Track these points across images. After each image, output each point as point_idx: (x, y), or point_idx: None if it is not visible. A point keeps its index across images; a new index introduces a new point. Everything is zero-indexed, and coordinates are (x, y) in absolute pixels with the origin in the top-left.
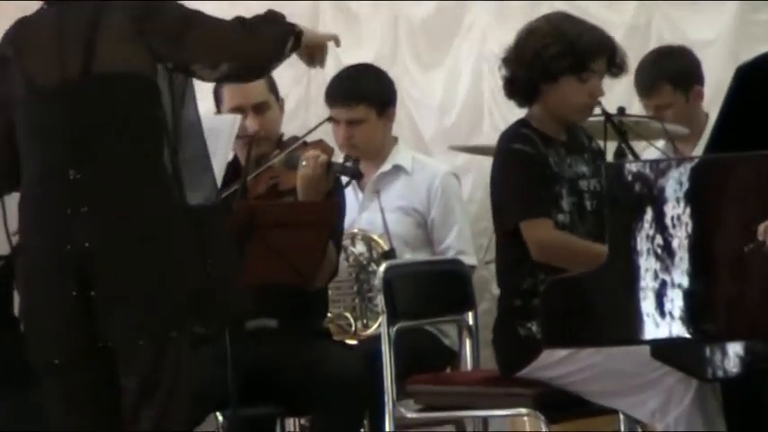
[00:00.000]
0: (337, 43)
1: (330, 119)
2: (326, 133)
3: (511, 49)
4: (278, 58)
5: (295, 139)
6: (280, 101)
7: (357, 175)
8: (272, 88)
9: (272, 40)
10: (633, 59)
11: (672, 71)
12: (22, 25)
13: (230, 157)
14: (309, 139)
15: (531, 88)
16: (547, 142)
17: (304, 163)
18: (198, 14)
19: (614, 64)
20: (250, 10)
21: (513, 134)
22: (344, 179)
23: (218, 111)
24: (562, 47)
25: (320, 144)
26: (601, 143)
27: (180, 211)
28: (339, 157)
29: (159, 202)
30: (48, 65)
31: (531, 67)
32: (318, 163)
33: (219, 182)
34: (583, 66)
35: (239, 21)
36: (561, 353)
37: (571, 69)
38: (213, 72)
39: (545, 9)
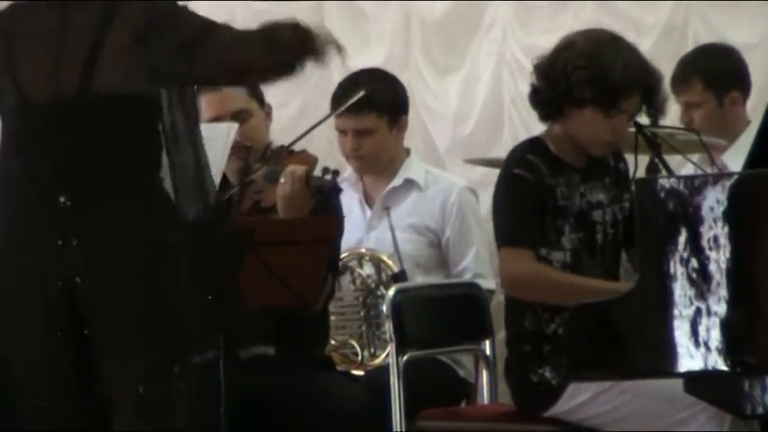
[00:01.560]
0: (339, 51)
1: (320, 123)
2: (332, 142)
3: (544, 58)
4: (292, 73)
5: (281, 148)
6: (265, 107)
7: (337, 191)
8: (254, 94)
9: (289, 56)
10: (668, 61)
11: (707, 68)
12: (15, 13)
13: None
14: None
15: (553, 106)
16: (558, 169)
17: (282, 180)
18: (215, 26)
19: (653, 105)
20: (248, 8)
21: (519, 157)
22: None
23: None
24: (592, 74)
25: (301, 155)
26: (632, 158)
27: (180, 236)
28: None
29: (157, 231)
30: (43, 76)
31: (557, 85)
32: (296, 178)
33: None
34: (611, 101)
35: (260, 33)
36: (584, 395)
37: (597, 101)
38: (227, 80)
39: (573, 8)
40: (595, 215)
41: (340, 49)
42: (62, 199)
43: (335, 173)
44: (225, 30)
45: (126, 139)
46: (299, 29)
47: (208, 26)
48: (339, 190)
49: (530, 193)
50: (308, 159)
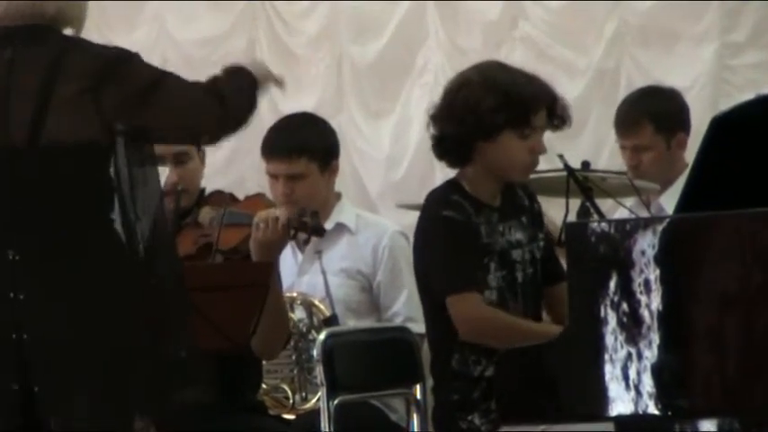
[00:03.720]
0: (280, 85)
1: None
2: (263, 187)
3: (440, 105)
4: (247, 118)
5: (219, 193)
6: (201, 152)
7: (319, 232)
8: None
9: (241, 102)
10: (600, 105)
11: (657, 111)
12: None
13: None
14: (241, 194)
15: (464, 147)
16: (478, 209)
17: (263, 225)
18: (168, 77)
19: (555, 115)
20: (180, 51)
21: (443, 199)
22: (303, 236)
23: None
24: (498, 99)
25: (261, 200)
26: (557, 201)
27: (134, 284)
28: None
29: (109, 283)
30: None
31: (464, 123)
32: (280, 226)
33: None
34: (523, 120)
35: (210, 84)
36: None
37: (510, 124)
38: (179, 137)
39: (503, 52)
40: (515, 254)
41: (281, 83)
42: (11, 252)
43: (315, 213)
44: (176, 80)
45: (76, 189)
46: (249, 76)
47: (159, 77)
48: (322, 231)
49: (462, 234)
50: (268, 203)
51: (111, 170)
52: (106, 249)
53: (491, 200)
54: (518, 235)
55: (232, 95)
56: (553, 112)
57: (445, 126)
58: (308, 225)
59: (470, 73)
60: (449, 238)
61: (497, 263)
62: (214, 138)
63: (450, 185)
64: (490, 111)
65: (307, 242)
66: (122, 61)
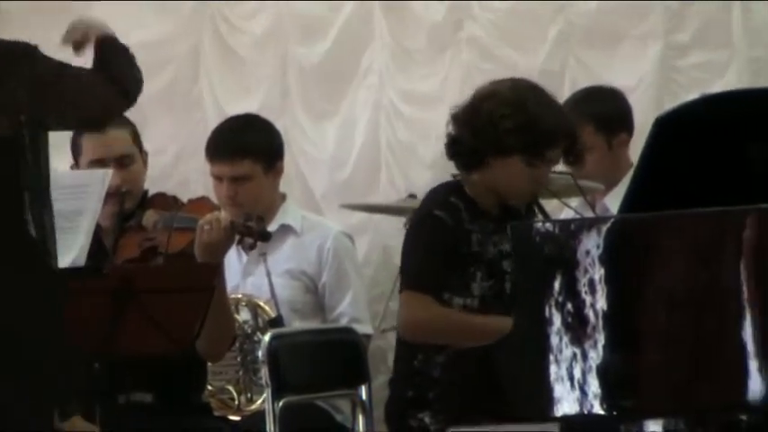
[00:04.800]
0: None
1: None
2: (208, 189)
3: (464, 108)
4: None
5: (163, 195)
6: (143, 154)
7: (265, 237)
8: (137, 140)
9: (129, 74)
10: None
11: (597, 112)
12: None
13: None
14: (185, 197)
15: (476, 156)
16: (475, 215)
17: (207, 227)
18: (67, 68)
19: (572, 153)
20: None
21: (441, 200)
22: (248, 241)
23: (76, 163)
24: (520, 123)
25: (206, 203)
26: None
27: (48, 285)
28: None
29: (22, 284)
30: None
31: (482, 134)
32: (223, 227)
33: (89, 241)
34: (537, 151)
35: (98, 65)
36: None
37: (523, 150)
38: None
39: (449, 53)
40: (506, 265)
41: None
42: None
43: (260, 218)
44: (75, 71)
45: None
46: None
47: (59, 68)
48: (268, 236)
49: (443, 237)
50: (213, 206)
51: (23, 168)
52: (19, 249)
53: (490, 209)
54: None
55: (119, 71)
56: (570, 150)
57: (463, 130)
58: (254, 230)
59: (504, 86)
60: (428, 238)
61: (485, 272)
62: (114, 115)
63: (452, 187)
64: (509, 131)
65: (252, 247)
66: (23, 54)
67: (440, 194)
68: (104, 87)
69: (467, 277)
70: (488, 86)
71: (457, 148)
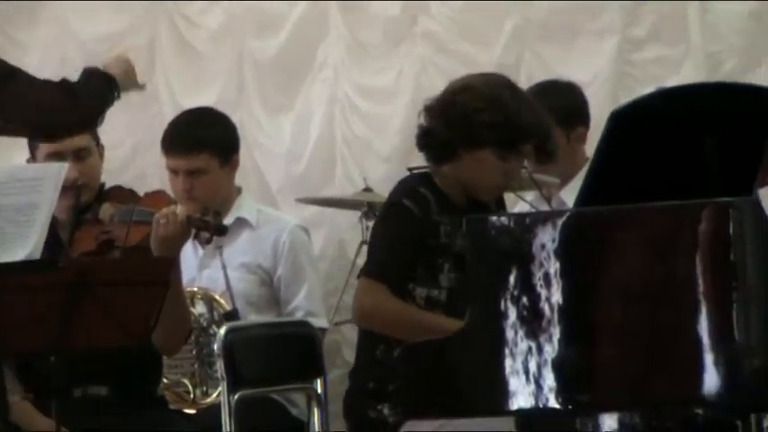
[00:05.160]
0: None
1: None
2: (164, 183)
3: (438, 99)
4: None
5: (119, 188)
6: (100, 147)
7: (221, 231)
8: (93, 133)
9: (94, 103)
10: None
11: (555, 106)
12: None
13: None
14: (142, 190)
15: (447, 148)
16: (444, 207)
17: (163, 221)
18: (20, 72)
19: (545, 150)
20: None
21: (411, 189)
22: (205, 235)
23: (33, 157)
24: (495, 118)
25: (162, 197)
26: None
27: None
28: None
29: None
30: None
31: (455, 126)
32: (179, 222)
33: (45, 234)
34: (511, 145)
35: (66, 83)
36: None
37: (496, 144)
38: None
39: (404, 47)
40: None
41: (142, 88)
42: None
43: (217, 213)
44: (28, 77)
45: None
46: (106, 77)
47: (11, 71)
48: (224, 230)
49: (410, 228)
50: (169, 200)
51: None
52: None
53: (459, 201)
54: None
55: (86, 95)
56: (543, 147)
57: (435, 122)
58: (210, 224)
59: (478, 80)
60: (394, 227)
61: (452, 264)
62: (65, 133)
63: (423, 178)
64: (483, 124)
65: (209, 241)
66: None
67: (410, 185)
68: (59, 97)
69: (434, 268)
70: (463, 80)
71: (428, 139)
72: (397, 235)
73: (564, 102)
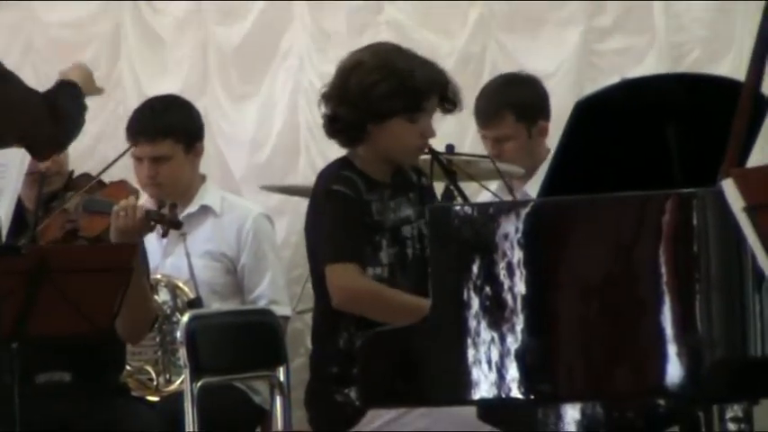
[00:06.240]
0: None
1: (127, 151)
2: (128, 169)
3: (333, 84)
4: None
5: (88, 176)
6: None
7: (176, 225)
8: None
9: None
10: (465, 90)
11: (517, 101)
12: None
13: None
14: (106, 178)
15: (356, 128)
16: (371, 186)
17: (123, 213)
18: (14, 76)
19: (447, 99)
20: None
21: (334, 175)
22: (161, 228)
23: None
24: (393, 85)
25: (125, 187)
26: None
27: None
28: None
29: None
30: None
31: (357, 106)
32: (138, 217)
33: (8, 221)
34: (415, 106)
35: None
36: (383, 418)
37: (402, 110)
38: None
39: (368, 35)
40: (405, 230)
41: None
42: None
43: (173, 206)
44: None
45: None
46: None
47: (3, 75)
48: (179, 225)
49: (350, 209)
50: (133, 191)
51: None
52: None
53: (383, 177)
54: (407, 211)
55: (66, 114)
56: (445, 96)
57: (337, 107)
58: (166, 218)
59: (364, 54)
60: (336, 211)
61: (389, 240)
62: (41, 151)
63: (342, 162)
64: (383, 97)
65: (165, 234)
66: None
67: (332, 171)
68: (44, 113)
69: (374, 247)
70: (350, 58)
71: (335, 125)
72: (341, 218)
73: (526, 96)
